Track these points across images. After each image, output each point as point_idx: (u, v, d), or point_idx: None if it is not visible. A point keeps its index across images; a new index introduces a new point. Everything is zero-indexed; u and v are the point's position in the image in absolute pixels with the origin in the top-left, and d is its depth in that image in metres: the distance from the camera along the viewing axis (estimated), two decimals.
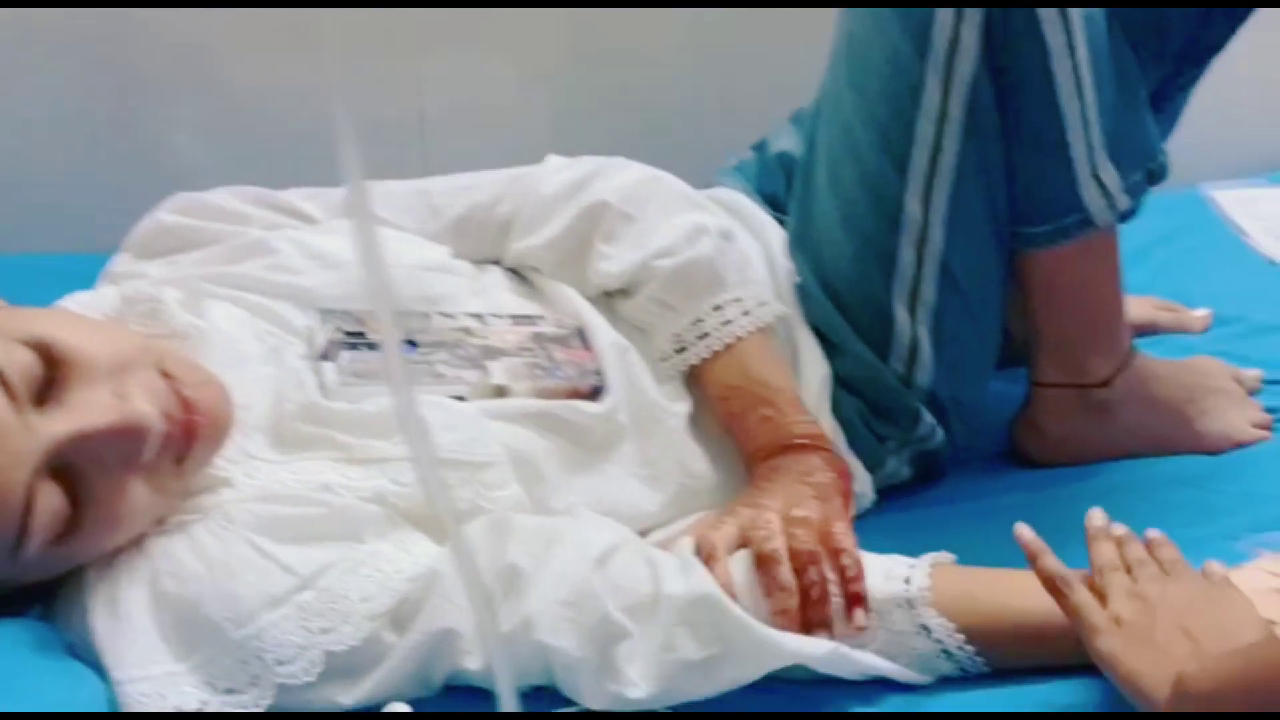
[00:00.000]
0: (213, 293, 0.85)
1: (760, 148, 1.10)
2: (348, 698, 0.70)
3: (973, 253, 0.90)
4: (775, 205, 1.04)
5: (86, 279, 1.09)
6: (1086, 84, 0.86)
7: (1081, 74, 0.85)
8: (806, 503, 0.77)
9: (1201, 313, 1.20)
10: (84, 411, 0.68)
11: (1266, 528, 0.89)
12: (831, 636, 0.72)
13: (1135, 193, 0.91)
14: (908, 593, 0.73)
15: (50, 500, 0.67)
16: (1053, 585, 0.70)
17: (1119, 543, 0.74)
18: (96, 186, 1.35)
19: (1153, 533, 0.75)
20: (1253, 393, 1.06)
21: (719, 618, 0.70)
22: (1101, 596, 0.69)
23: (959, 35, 0.84)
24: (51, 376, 0.69)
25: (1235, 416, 1.01)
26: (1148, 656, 0.64)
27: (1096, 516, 0.75)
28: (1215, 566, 0.74)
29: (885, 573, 0.74)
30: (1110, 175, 0.89)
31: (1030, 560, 0.72)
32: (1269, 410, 1.05)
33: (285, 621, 0.69)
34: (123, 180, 1.33)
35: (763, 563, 0.73)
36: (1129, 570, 0.71)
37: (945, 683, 0.73)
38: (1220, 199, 1.45)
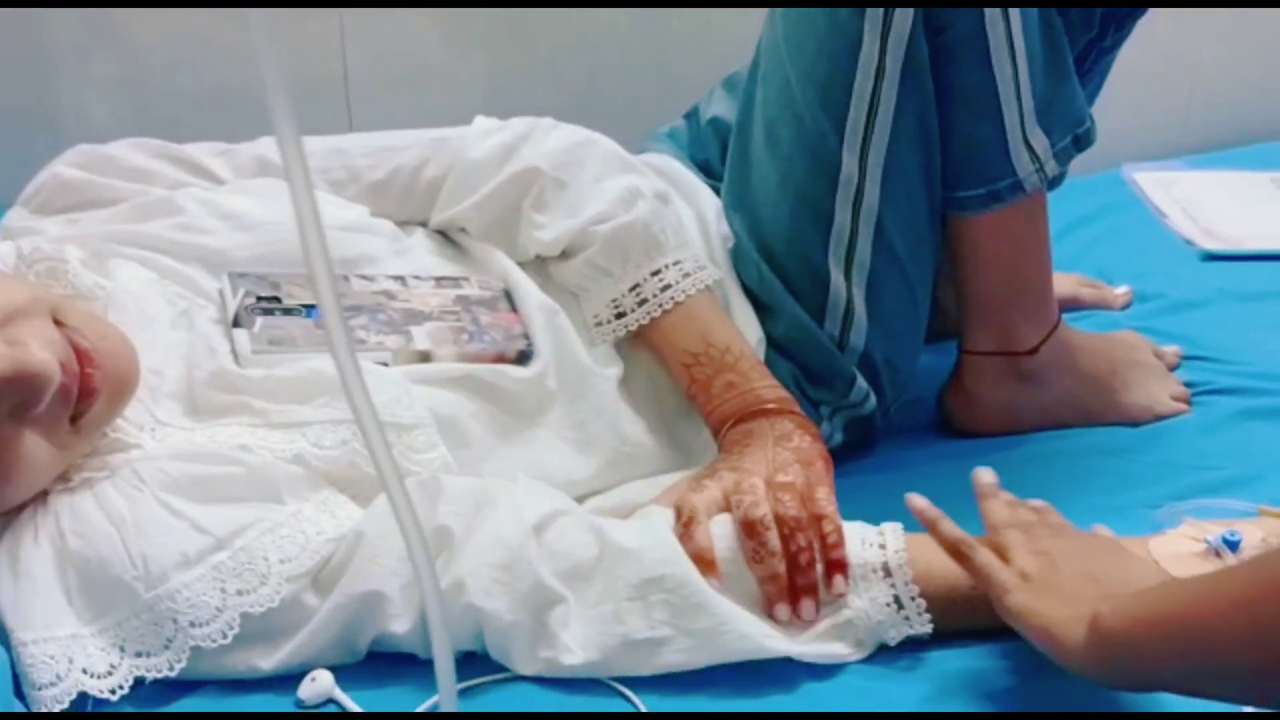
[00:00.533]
0: (118, 252, 0.81)
1: (691, 115, 1.09)
2: (267, 662, 0.68)
3: (907, 213, 0.91)
4: (707, 172, 1.04)
5: None
6: (1019, 48, 0.86)
7: (1015, 38, 0.86)
8: (790, 468, 0.76)
9: (1122, 289, 1.23)
10: None
11: (1185, 496, 0.91)
12: (818, 602, 0.71)
13: (1064, 158, 0.93)
14: (884, 558, 0.72)
15: None
16: (954, 549, 0.70)
17: (1009, 504, 0.74)
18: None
19: (1038, 502, 0.76)
20: (1171, 368, 1.09)
21: (679, 600, 0.68)
22: (1002, 555, 0.69)
23: None
24: None
25: (1156, 389, 1.03)
26: (1058, 605, 0.64)
27: (984, 474, 0.76)
28: (1102, 529, 0.75)
29: (860, 539, 0.74)
30: (1040, 140, 0.90)
31: (928, 527, 0.72)
32: (1186, 385, 1.08)
33: (199, 582, 0.67)
34: (26, 136, 1.28)
35: (750, 529, 0.71)
36: (1019, 528, 0.72)
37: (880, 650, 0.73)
38: (1140, 180, 1.49)
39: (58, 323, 0.70)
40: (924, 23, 0.85)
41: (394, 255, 0.89)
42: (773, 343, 0.92)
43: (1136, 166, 1.53)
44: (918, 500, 0.73)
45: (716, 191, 1.00)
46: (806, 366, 0.92)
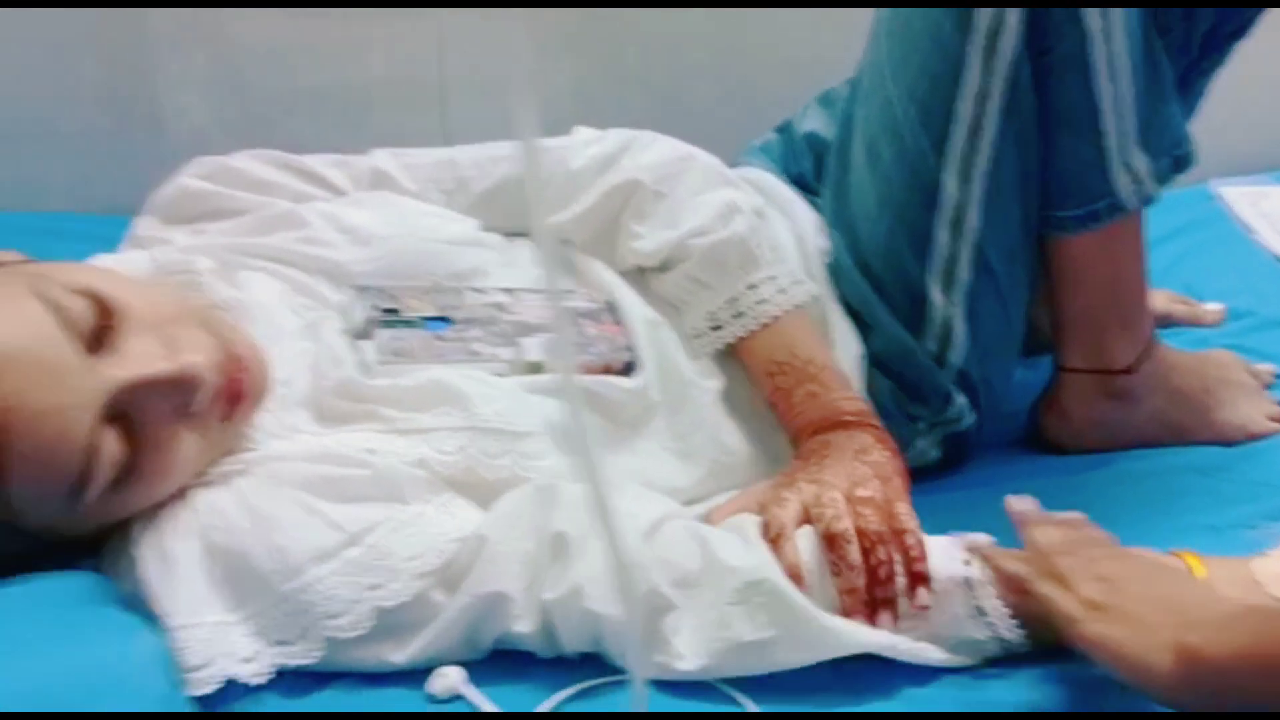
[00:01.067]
0: (246, 264, 0.86)
1: (785, 129, 1.12)
2: (399, 656, 0.72)
3: (1006, 234, 0.93)
4: (802, 186, 1.07)
5: (96, 238, 1.11)
6: (1122, 70, 0.89)
7: (1117, 60, 0.88)
8: (869, 482, 0.78)
9: (1215, 307, 1.24)
10: (141, 360, 0.70)
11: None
12: (895, 615, 0.73)
13: (1163, 179, 0.94)
14: (966, 573, 0.75)
15: (111, 444, 0.69)
16: (1014, 583, 0.72)
17: (1049, 521, 0.75)
18: (103, 144, 1.35)
19: (1072, 514, 0.77)
20: (1266, 386, 1.10)
21: (777, 602, 0.71)
22: (1061, 582, 0.70)
23: (1003, 15, 0.87)
24: (104, 326, 0.70)
25: (1250, 408, 1.05)
26: (1134, 633, 0.64)
27: (1017, 502, 0.77)
28: (1145, 551, 0.75)
29: (944, 554, 0.76)
30: (1141, 161, 0.92)
31: (989, 562, 0.74)
32: None
33: (333, 576, 0.71)
34: (129, 138, 1.34)
35: (832, 542, 0.74)
36: (1071, 551, 0.72)
37: (990, 664, 0.75)
38: (1228, 195, 1.49)
39: (207, 331, 0.75)
40: (1027, 44, 0.87)
41: (502, 267, 0.93)
42: (871, 358, 0.95)
43: (1224, 181, 1.53)
44: (1015, 503, 0.75)
45: (812, 205, 1.03)
46: (905, 382, 0.95)
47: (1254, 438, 1.04)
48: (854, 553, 0.74)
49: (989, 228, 0.92)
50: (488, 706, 0.69)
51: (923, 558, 0.74)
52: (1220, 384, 1.05)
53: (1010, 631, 0.74)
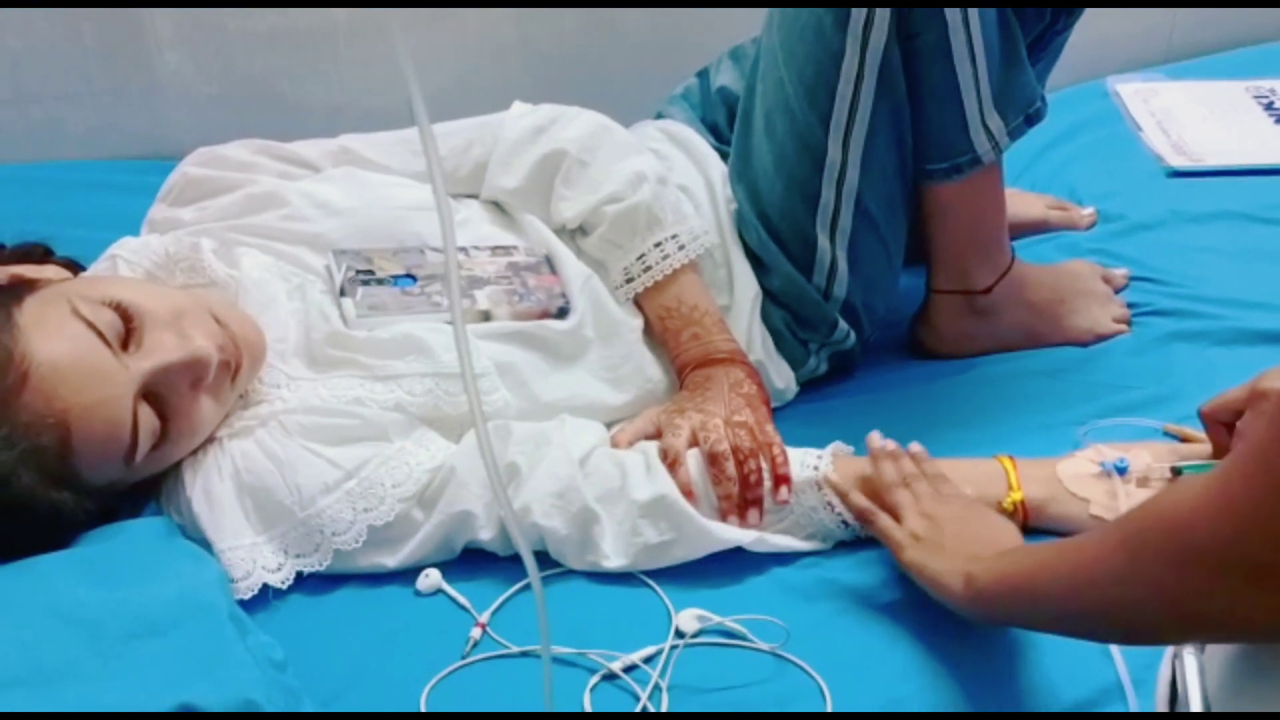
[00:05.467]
0: (241, 241, 1.11)
1: (703, 74, 1.36)
2: (391, 561, 1.01)
3: (883, 187, 1.18)
4: (716, 134, 1.32)
5: (108, 187, 1.44)
6: (978, 50, 1.12)
7: (974, 43, 1.12)
8: (743, 410, 1.07)
9: (1088, 211, 1.50)
10: (160, 351, 0.96)
11: (1108, 414, 1.18)
12: (762, 512, 1.02)
13: (1016, 134, 1.19)
14: (817, 476, 1.04)
15: (147, 419, 0.96)
16: (861, 515, 1.00)
17: (893, 457, 1.02)
18: (105, 99, 1.57)
19: (914, 446, 1.03)
20: (1119, 289, 1.37)
21: (672, 513, 1.00)
22: (895, 514, 0.98)
23: (874, 12, 1.10)
24: (129, 328, 0.96)
25: (1100, 312, 1.31)
26: (941, 562, 0.91)
27: (875, 439, 1.04)
28: (965, 489, 1.02)
29: (800, 461, 1.05)
30: (995, 122, 1.17)
31: (842, 498, 1.01)
32: (1131, 305, 1.35)
33: (337, 504, 0.99)
34: (129, 94, 1.56)
35: (713, 460, 1.02)
36: (906, 484, 1.00)
37: (839, 546, 1.05)
38: (1122, 92, 1.72)
39: (212, 316, 1.00)
40: (896, 29, 1.11)
41: (456, 226, 1.18)
42: (770, 294, 1.22)
43: (1120, 78, 1.75)
44: (874, 440, 1.04)
45: (724, 157, 1.28)
46: (797, 313, 1.22)
47: (1102, 338, 1.31)
48: (730, 468, 1.02)
49: (867, 184, 1.17)
50: (463, 600, 0.99)
51: (786, 463, 1.03)
52: (1073, 293, 1.32)
53: (853, 519, 1.03)
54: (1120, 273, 1.38)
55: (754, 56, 1.22)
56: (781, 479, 1.03)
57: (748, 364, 1.14)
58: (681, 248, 1.16)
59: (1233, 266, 1.38)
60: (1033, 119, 1.21)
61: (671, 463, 1.03)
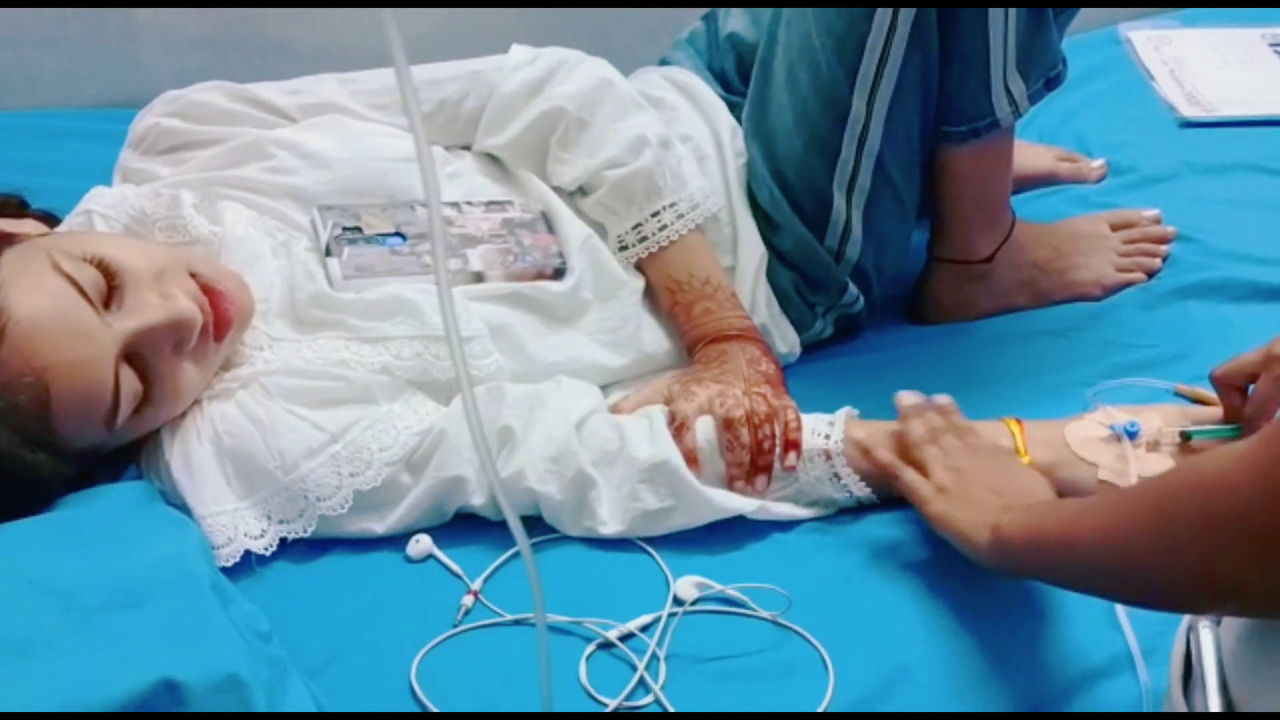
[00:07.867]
0: (223, 195, 1.08)
1: (710, 19, 1.32)
2: (380, 526, 0.99)
3: (904, 146, 1.15)
4: (724, 82, 1.28)
5: (84, 135, 1.41)
6: (1014, 13, 1.09)
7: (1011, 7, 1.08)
8: (760, 385, 1.05)
9: (1097, 163, 1.48)
10: (144, 311, 0.93)
11: (1118, 374, 1.17)
12: (770, 478, 1.00)
13: (1036, 98, 1.17)
14: (826, 446, 1.02)
15: (129, 381, 0.93)
16: (885, 470, 0.99)
17: (919, 412, 1.01)
18: (82, 45, 1.53)
19: (941, 398, 1.03)
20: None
21: (673, 479, 0.98)
22: (922, 469, 0.97)
23: None
24: (111, 286, 0.93)
25: (1101, 263, 1.29)
26: (968, 514, 0.91)
27: (905, 397, 1.03)
28: (1002, 440, 1.02)
29: (810, 429, 1.03)
30: (1017, 85, 1.14)
31: (866, 454, 1.00)
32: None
33: (321, 468, 0.97)
34: (104, 39, 1.52)
35: (729, 425, 1.00)
36: (933, 439, 0.99)
37: (842, 512, 1.03)
38: (1134, 39, 1.70)
39: (193, 275, 0.97)
40: None
41: (448, 179, 1.15)
42: (778, 254, 1.19)
43: (1132, 25, 1.72)
44: (904, 399, 1.02)
45: (731, 108, 1.24)
46: (806, 275, 1.19)
47: (1110, 290, 1.29)
48: (744, 434, 1.00)
49: (889, 143, 1.14)
50: (454, 567, 0.97)
51: (799, 429, 1.01)
52: (1073, 248, 1.29)
53: (859, 489, 1.01)
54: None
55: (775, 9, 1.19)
56: (792, 444, 1.01)
57: (762, 341, 1.12)
58: (680, 216, 1.13)
59: (1247, 220, 1.36)
60: (1053, 82, 1.18)
61: (679, 427, 1.01)
